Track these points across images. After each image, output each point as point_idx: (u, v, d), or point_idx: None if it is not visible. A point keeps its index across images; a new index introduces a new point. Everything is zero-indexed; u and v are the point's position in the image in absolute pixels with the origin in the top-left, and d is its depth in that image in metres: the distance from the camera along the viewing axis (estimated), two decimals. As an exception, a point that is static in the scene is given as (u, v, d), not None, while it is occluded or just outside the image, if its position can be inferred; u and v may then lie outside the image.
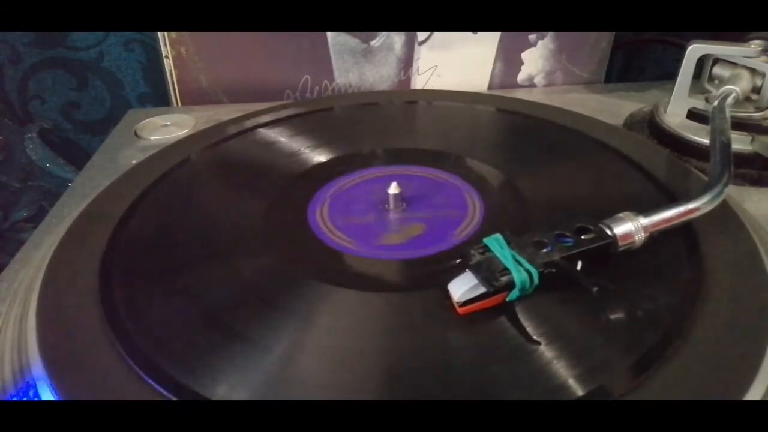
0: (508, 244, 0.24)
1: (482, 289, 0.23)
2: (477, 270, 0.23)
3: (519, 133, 0.40)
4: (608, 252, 0.25)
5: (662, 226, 0.25)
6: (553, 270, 0.23)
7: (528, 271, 0.23)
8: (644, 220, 0.25)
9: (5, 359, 0.23)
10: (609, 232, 0.24)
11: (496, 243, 0.24)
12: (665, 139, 0.40)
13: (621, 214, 0.25)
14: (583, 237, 0.24)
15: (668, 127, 0.40)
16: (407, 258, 0.28)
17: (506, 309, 0.23)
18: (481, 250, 0.24)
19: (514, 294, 0.23)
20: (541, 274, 0.23)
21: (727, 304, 0.23)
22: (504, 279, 0.23)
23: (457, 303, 0.23)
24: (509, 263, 0.23)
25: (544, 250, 0.24)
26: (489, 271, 0.23)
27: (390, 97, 0.48)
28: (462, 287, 0.23)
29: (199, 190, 0.34)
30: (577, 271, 0.24)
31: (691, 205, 0.26)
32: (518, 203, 0.31)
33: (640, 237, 0.25)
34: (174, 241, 0.29)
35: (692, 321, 0.22)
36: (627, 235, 0.25)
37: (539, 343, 0.22)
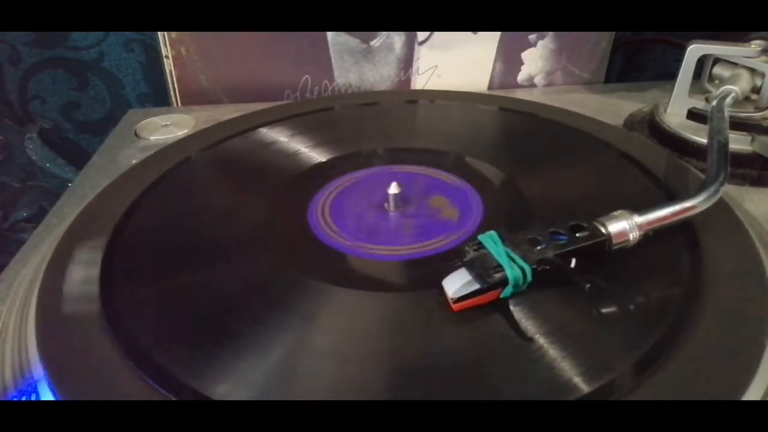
0: (502, 241, 0.24)
1: (476, 286, 0.23)
2: (471, 266, 0.23)
3: (519, 133, 0.40)
4: (603, 250, 0.25)
5: (657, 225, 0.25)
6: (547, 267, 0.23)
7: (521, 268, 0.23)
8: (639, 219, 0.25)
9: (5, 359, 0.23)
10: (603, 230, 0.25)
11: (490, 240, 0.24)
12: (665, 139, 0.40)
13: (616, 213, 0.25)
14: (577, 235, 0.24)
15: (668, 127, 0.40)
16: (407, 258, 0.28)
17: (505, 309, 0.23)
18: (475, 247, 0.24)
19: (507, 290, 0.23)
20: (534, 270, 0.23)
21: (727, 304, 0.23)
22: (497, 275, 0.23)
23: (452, 299, 0.23)
24: (503, 260, 0.23)
25: (538, 247, 0.24)
26: (483, 268, 0.23)
27: (390, 97, 0.48)
28: (456, 283, 0.23)
29: (199, 190, 0.34)
30: (570, 268, 0.24)
31: (686, 204, 0.26)
32: (518, 203, 0.31)
33: (634, 235, 0.25)
34: (174, 241, 0.29)
35: (692, 321, 0.22)
36: (621, 234, 0.25)
37: (533, 341, 0.22)
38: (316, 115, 0.42)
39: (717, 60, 0.40)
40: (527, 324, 0.23)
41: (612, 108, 0.47)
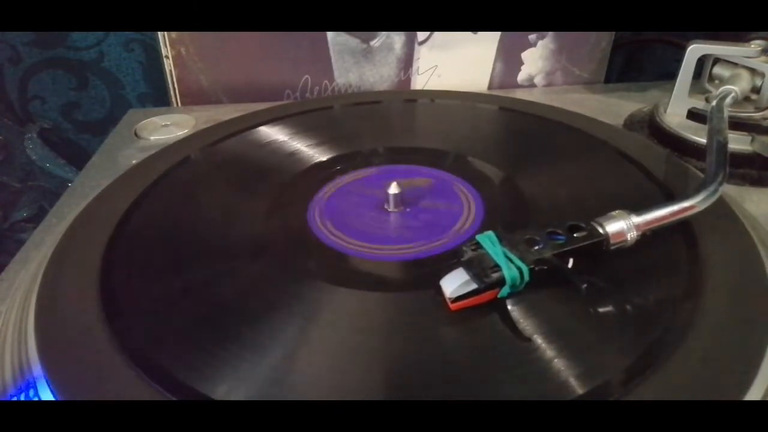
0: (500, 241, 0.24)
1: (474, 286, 0.23)
2: (469, 266, 0.23)
3: (519, 133, 0.40)
4: (601, 250, 0.25)
5: (655, 225, 0.25)
6: (545, 267, 0.23)
7: (519, 268, 0.23)
8: (636, 219, 0.25)
9: (5, 359, 0.23)
10: (601, 230, 0.25)
11: (488, 240, 0.24)
12: (665, 139, 0.40)
13: (614, 213, 0.25)
14: (575, 235, 0.25)
15: (668, 127, 0.40)
16: (407, 258, 0.28)
17: (503, 309, 0.23)
18: (473, 247, 0.24)
19: (505, 290, 0.23)
20: (531, 270, 0.23)
21: (727, 304, 0.23)
22: (495, 275, 0.23)
23: (449, 299, 0.23)
24: (500, 260, 0.23)
25: (536, 248, 0.24)
26: (480, 268, 0.23)
27: (390, 97, 0.48)
28: (454, 283, 0.23)
29: (199, 190, 0.34)
30: (567, 268, 0.24)
31: (684, 204, 0.26)
32: (518, 203, 0.31)
33: (632, 235, 0.25)
34: (174, 241, 0.29)
35: (692, 321, 0.22)
36: (619, 234, 0.25)
37: (530, 340, 0.22)
38: (316, 115, 0.42)
39: (717, 60, 0.39)
40: (525, 324, 0.23)
41: (612, 108, 0.47)
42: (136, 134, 0.45)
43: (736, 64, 0.39)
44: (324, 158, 0.36)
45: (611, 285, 0.24)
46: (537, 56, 0.53)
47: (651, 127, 0.42)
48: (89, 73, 0.56)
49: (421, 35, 0.51)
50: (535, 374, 0.21)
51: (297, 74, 0.51)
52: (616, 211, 0.25)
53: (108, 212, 0.31)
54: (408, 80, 0.53)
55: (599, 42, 0.53)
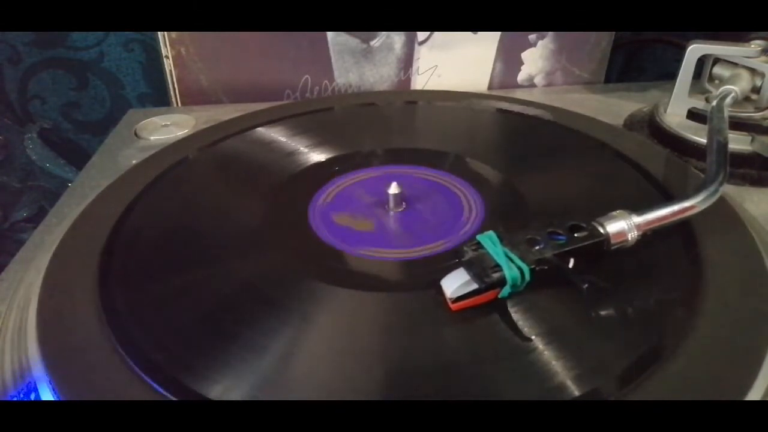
0: (501, 241, 0.24)
1: (474, 286, 0.23)
2: (469, 266, 0.23)
3: (519, 133, 0.40)
4: (601, 250, 0.25)
5: (656, 225, 0.25)
6: (545, 267, 0.23)
7: (519, 268, 0.23)
8: (637, 219, 0.25)
9: (5, 359, 0.23)
10: (601, 230, 0.25)
11: (489, 240, 0.24)
12: (665, 139, 0.40)
13: (614, 213, 0.25)
14: (575, 235, 0.25)
15: (668, 127, 0.40)
16: (407, 258, 0.28)
17: (504, 309, 0.23)
18: (474, 247, 0.24)
19: (505, 290, 0.23)
20: (532, 271, 0.23)
21: (727, 304, 0.23)
22: (495, 275, 0.23)
23: (450, 299, 0.23)
24: (501, 260, 0.23)
25: (537, 248, 0.24)
26: (481, 268, 0.23)
27: (390, 97, 0.48)
28: (454, 283, 0.23)
29: (198, 190, 0.34)
30: (568, 268, 0.24)
31: (685, 204, 0.26)
32: (518, 203, 0.31)
33: (632, 235, 0.25)
34: (174, 241, 0.29)
35: (692, 321, 0.22)
36: (619, 234, 0.25)
37: (531, 340, 0.22)
38: (315, 115, 0.42)
39: (717, 60, 0.40)
40: (525, 324, 0.23)
41: (612, 108, 0.47)
42: (136, 134, 0.45)
43: (736, 64, 0.39)
44: (324, 158, 0.36)
45: (612, 285, 0.24)
46: (537, 56, 0.53)
47: (651, 127, 0.42)
48: (89, 73, 0.56)
49: (421, 35, 0.51)
50: (536, 374, 0.21)
51: (297, 74, 0.51)
52: (617, 211, 0.25)
53: (108, 212, 0.30)
54: (408, 80, 0.53)
55: (599, 42, 0.53)
